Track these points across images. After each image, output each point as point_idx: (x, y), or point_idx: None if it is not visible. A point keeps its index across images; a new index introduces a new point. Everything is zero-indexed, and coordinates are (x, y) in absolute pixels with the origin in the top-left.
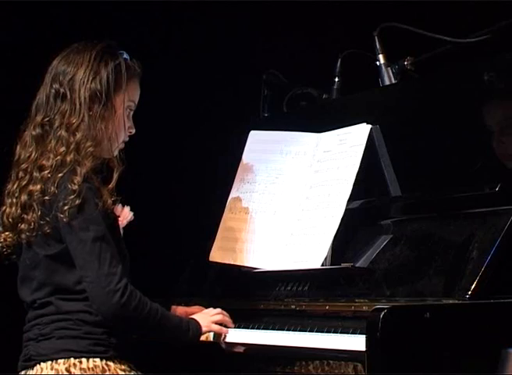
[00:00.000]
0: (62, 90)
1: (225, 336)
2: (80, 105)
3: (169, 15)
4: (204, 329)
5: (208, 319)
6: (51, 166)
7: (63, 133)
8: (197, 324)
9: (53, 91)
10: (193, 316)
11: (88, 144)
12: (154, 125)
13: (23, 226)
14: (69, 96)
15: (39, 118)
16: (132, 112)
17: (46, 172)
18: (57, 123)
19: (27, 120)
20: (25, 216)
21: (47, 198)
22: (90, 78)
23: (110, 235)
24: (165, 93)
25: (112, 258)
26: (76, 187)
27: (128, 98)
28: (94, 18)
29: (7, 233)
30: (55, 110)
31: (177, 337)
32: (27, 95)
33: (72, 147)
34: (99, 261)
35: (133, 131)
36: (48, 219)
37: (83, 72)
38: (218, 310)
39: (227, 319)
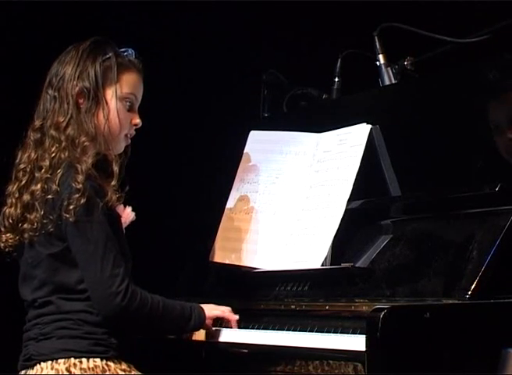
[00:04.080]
0: (54, 92)
1: (219, 335)
2: (68, 103)
3: (169, 15)
4: (207, 313)
5: (214, 309)
6: (49, 165)
7: (53, 132)
8: (201, 310)
9: (48, 95)
10: (200, 304)
11: (83, 138)
12: (154, 125)
13: (25, 225)
14: (58, 96)
15: (38, 123)
16: (133, 105)
17: (45, 172)
18: (49, 123)
19: (29, 128)
20: (27, 216)
21: (49, 196)
22: (77, 75)
23: (113, 235)
24: (165, 93)
25: (115, 259)
26: (80, 185)
27: (121, 91)
28: (94, 18)
29: (8, 234)
30: (49, 112)
31: (180, 326)
32: (30, 101)
33: (63, 144)
34: (102, 262)
35: (140, 123)
36: (51, 217)
37: (71, 70)
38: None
39: (234, 316)
